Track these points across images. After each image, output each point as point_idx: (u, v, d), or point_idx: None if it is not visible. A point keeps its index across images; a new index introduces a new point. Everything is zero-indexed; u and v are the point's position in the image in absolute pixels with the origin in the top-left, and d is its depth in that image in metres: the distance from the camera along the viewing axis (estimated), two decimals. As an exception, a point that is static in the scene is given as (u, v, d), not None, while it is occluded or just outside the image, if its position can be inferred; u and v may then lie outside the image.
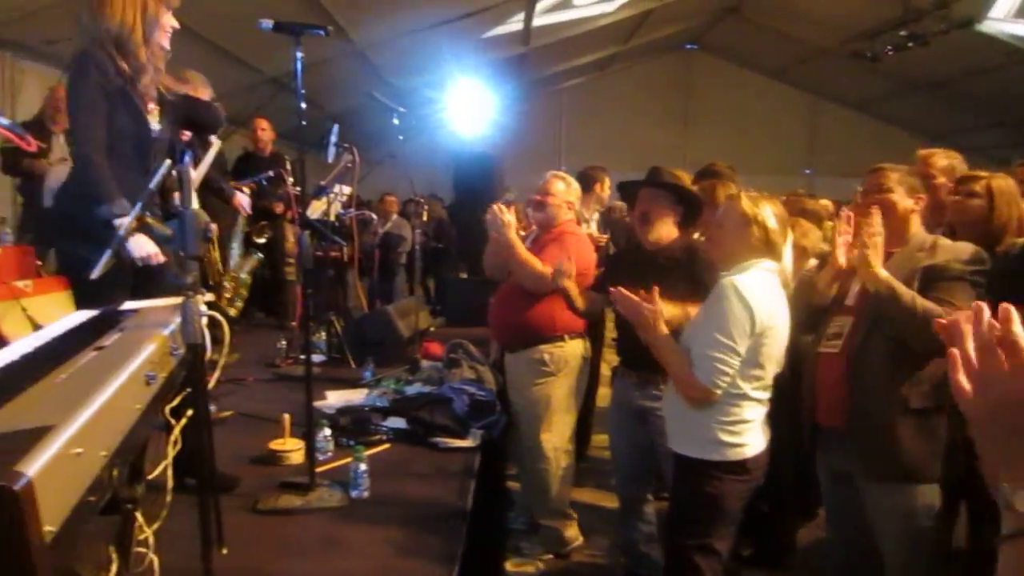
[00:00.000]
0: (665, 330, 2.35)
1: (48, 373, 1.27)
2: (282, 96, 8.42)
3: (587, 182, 4.84)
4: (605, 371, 4.77)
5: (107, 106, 2.53)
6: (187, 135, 3.54)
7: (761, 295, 2.27)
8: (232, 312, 5.37)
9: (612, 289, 2.47)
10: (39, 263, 5.00)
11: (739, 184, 3.47)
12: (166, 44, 2.67)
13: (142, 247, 2.50)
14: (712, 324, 2.29)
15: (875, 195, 2.41)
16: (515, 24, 10.21)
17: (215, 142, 4.42)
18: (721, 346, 2.25)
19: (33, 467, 0.82)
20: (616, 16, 10.90)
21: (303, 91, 2.67)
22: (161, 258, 2.57)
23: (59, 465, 0.88)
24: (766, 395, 2.38)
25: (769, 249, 2.36)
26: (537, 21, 10.17)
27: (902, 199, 2.39)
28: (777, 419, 2.45)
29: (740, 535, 2.65)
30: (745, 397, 2.32)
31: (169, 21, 2.65)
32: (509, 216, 3.35)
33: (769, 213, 2.35)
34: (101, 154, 2.53)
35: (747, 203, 2.37)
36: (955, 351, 0.82)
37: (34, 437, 0.90)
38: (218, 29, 6.65)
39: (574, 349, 3.48)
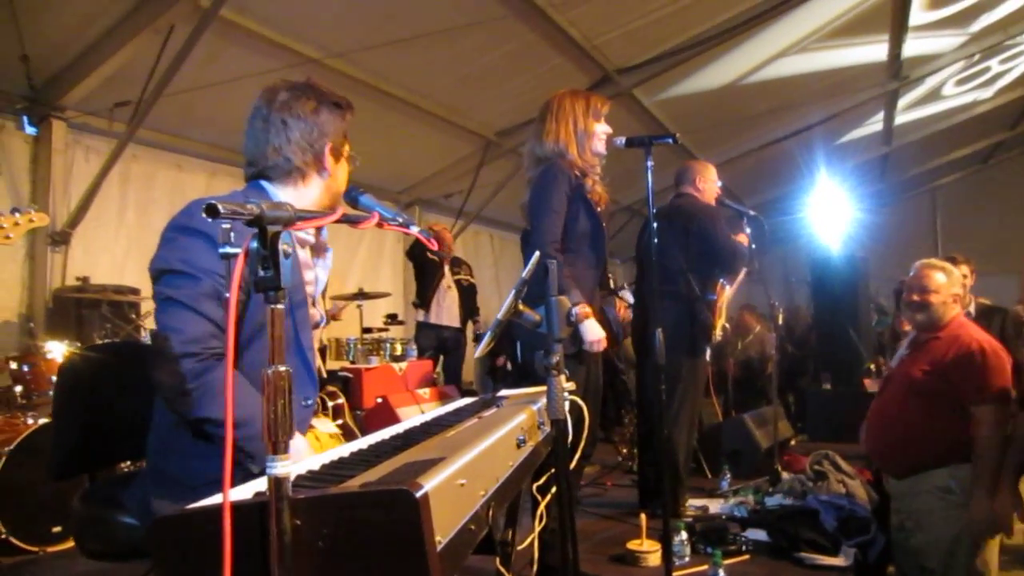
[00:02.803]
0: None
1: (442, 431, 1.52)
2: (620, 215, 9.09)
3: None
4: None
5: (570, 210, 2.80)
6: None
7: None
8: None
9: None
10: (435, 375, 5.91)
11: None
12: (600, 149, 2.93)
13: (594, 332, 2.72)
14: None
15: None
16: (874, 125, 9.65)
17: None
18: None
19: (429, 484, 0.98)
20: (996, 102, 9.71)
21: (654, 210, 2.83)
22: (604, 344, 2.74)
23: (448, 488, 1.04)
24: None
25: None
26: (900, 119, 9.49)
27: None
28: None
29: None
30: None
31: (601, 128, 2.93)
32: None
33: None
34: (557, 252, 2.74)
35: None
36: None
37: (430, 464, 1.08)
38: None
39: None
